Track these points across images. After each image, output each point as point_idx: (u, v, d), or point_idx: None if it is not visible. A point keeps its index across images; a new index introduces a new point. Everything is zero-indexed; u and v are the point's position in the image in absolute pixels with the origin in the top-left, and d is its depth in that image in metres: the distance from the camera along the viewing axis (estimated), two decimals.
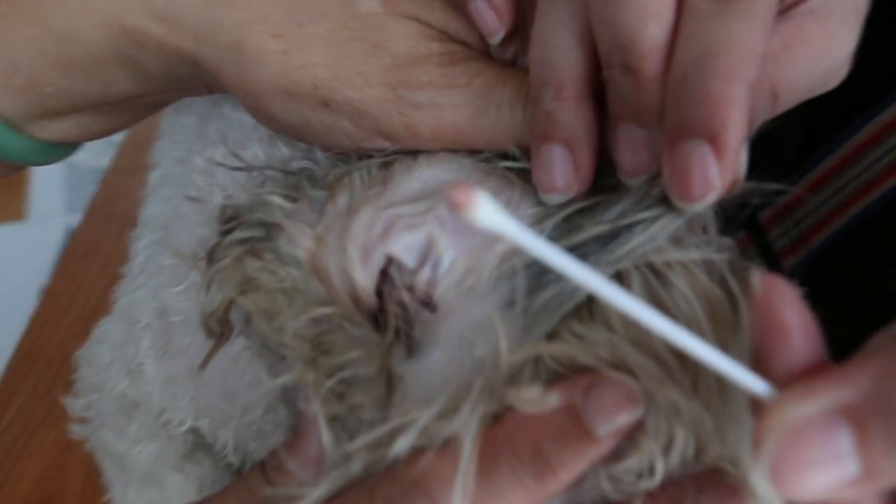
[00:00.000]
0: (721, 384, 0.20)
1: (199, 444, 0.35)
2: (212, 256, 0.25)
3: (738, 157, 0.21)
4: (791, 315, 0.17)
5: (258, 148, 0.28)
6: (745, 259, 0.25)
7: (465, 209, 0.14)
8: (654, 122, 0.22)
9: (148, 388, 0.32)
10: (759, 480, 0.16)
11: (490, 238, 0.23)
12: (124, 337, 0.33)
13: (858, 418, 0.16)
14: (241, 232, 0.24)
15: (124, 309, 0.34)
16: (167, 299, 0.31)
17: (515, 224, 0.15)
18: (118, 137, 0.76)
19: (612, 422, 0.20)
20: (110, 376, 0.34)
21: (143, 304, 0.32)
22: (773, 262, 0.43)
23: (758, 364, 0.18)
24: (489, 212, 0.14)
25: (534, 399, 0.19)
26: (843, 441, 0.16)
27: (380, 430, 0.20)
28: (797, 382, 0.16)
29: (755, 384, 0.17)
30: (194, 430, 0.33)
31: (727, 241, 0.26)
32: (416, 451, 0.20)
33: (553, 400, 0.19)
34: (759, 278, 0.17)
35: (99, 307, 0.58)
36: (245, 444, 0.32)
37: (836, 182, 0.40)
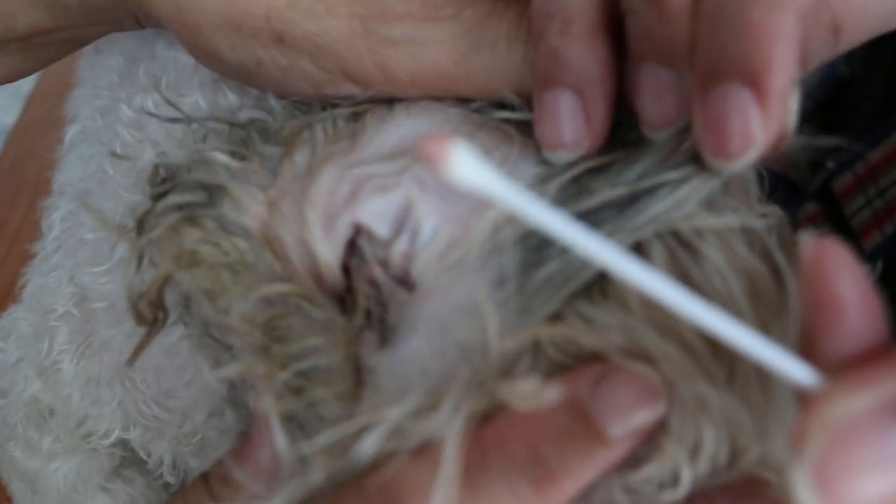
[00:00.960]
0: (763, 375, 0.21)
1: (128, 459, 0.35)
2: (142, 225, 0.25)
3: (785, 105, 0.21)
4: (847, 287, 0.17)
5: (199, 95, 0.28)
6: (798, 229, 0.25)
7: (439, 164, 0.14)
8: (684, 61, 0.22)
9: (65, 391, 0.33)
10: (801, 486, 0.16)
11: (480, 202, 0.24)
12: (35, 329, 0.33)
13: None
14: (176, 196, 0.25)
15: (35, 295, 0.34)
16: (88, 282, 0.31)
17: (503, 181, 0.15)
18: (27, 86, 0.75)
19: (628, 421, 0.20)
20: (18, 377, 0.34)
21: (59, 288, 0.33)
22: (851, 241, 0.43)
23: (805, 347, 0.18)
24: (469, 167, 0.14)
25: (529, 393, 0.19)
26: None
27: (342, 429, 0.21)
28: (850, 370, 0.17)
29: (799, 372, 0.17)
30: (123, 443, 0.34)
31: (774, 209, 0.26)
32: (388, 456, 0.21)
33: (552, 394, 0.19)
34: (809, 241, 0.17)
35: (5, 294, 0.58)
36: (185, 461, 0.33)
37: None
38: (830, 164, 0.43)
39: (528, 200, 0.15)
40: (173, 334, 0.27)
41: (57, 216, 0.34)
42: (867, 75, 0.44)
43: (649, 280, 0.17)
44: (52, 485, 0.34)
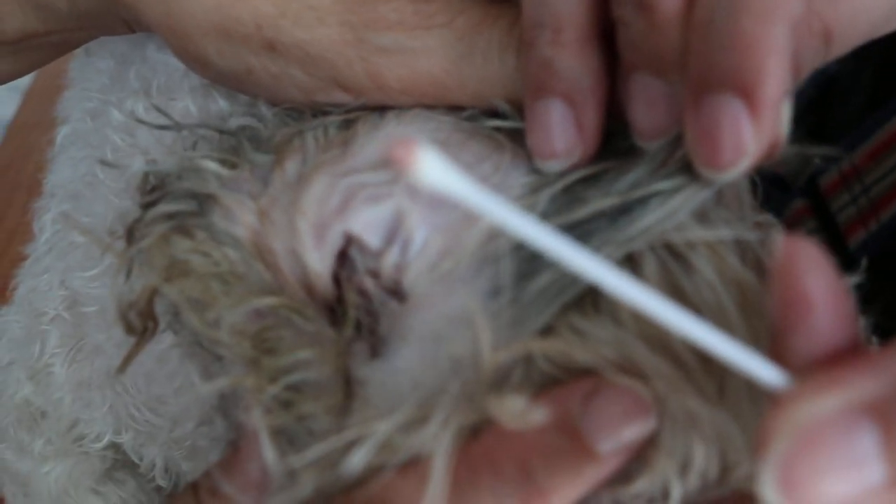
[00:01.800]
0: (755, 389, 0.21)
1: (120, 461, 0.35)
2: (131, 234, 0.25)
3: (777, 115, 0.21)
4: (817, 285, 0.17)
5: (189, 100, 0.28)
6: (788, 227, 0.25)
7: (408, 167, 0.14)
8: (676, 71, 0.22)
9: (57, 394, 0.33)
10: (766, 487, 0.16)
11: (472, 214, 0.24)
12: (27, 332, 0.33)
13: (886, 415, 0.16)
14: (166, 205, 0.24)
15: (27, 297, 0.34)
16: (78, 286, 0.31)
17: (471, 184, 0.15)
18: (24, 82, 0.75)
19: (617, 436, 0.20)
20: (10, 380, 0.34)
21: (50, 291, 0.33)
22: (836, 238, 0.43)
23: (775, 346, 0.18)
24: (437, 170, 0.14)
25: (517, 411, 0.19)
26: (867, 442, 0.16)
27: (332, 442, 0.21)
28: (818, 371, 0.17)
29: (767, 373, 0.17)
30: (114, 446, 0.34)
31: (768, 218, 0.26)
32: (377, 470, 0.21)
33: (540, 415, 0.19)
34: (780, 240, 0.17)
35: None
36: (176, 464, 0.33)
37: None
38: (817, 161, 0.43)
39: (497, 203, 0.15)
40: (164, 342, 0.27)
41: (48, 218, 0.33)
42: (856, 72, 0.43)
43: (629, 290, 0.16)
44: (43, 487, 0.34)
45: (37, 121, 0.68)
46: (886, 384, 0.16)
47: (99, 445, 0.33)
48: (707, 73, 0.21)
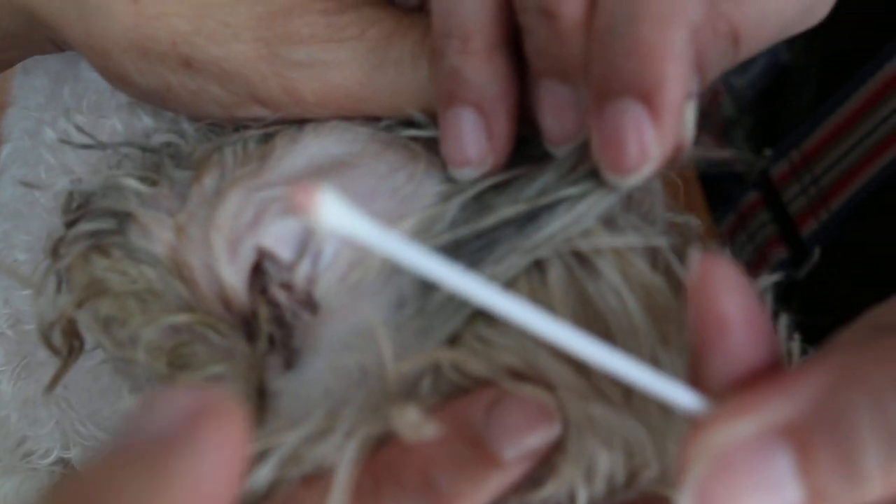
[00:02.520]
0: None
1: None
2: (55, 253, 0.25)
3: (679, 119, 0.21)
4: (732, 305, 0.17)
5: (116, 118, 0.28)
6: (702, 241, 0.25)
7: (307, 212, 0.14)
8: (580, 77, 0.22)
9: (3, 411, 0.33)
10: None
11: (381, 223, 0.24)
12: None
13: (801, 437, 0.16)
14: (87, 223, 0.25)
15: None
16: (20, 304, 0.31)
17: (371, 226, 0.15)
18: None
19: (521, 444, 0.20)
20: None
21: None
22: (789, 228, 0.43)
23: (693, 368, 0.18)
24: (337, 214, 0.14)
25: (413, 423, 0.20)
26: (782, 465, 0.16)
27: None
28: (734, 395, 0.17)
29: (683, 397, 0.17)
30: (63, 461, 0.34)
31: (688, 219, 0.26)
32: (283, 482, 0.21)
33: (432, 430, 0.19)
34: (695, 259, 0.17)
35: None
36: None
37: (860, 127, 0.40)
38: (768, 152, 0.43)
39: (397, 243, 0.15)
40: (95, 358, 0.27)
41: None
42: (807, 63, 0.43)
43: (524, 314, 0.17)
44: None
45: None
46: (801, 406, 0.16)
47: (47, 461, 0.33)
48: (609, 80, 0.21)
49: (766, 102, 0.46)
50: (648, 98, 0.21)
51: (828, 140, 0.40)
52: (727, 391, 0.17)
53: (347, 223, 0.15)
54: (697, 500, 0.16)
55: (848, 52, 0.40)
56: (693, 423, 0.17)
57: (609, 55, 0.21)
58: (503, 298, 0.16)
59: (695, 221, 0.26)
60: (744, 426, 0.16)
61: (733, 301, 0.17)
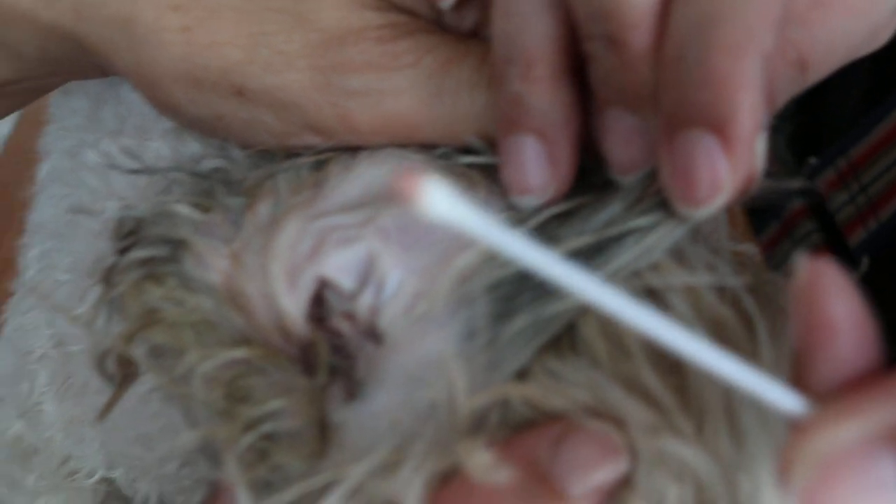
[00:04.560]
0: (735, 426, 0.21)
1: (113, 494, 0.35)
2: (107, 281, 0.25)
3: (752, 150, 0.21)
4: (840, 309, 0.17)
5: (162, 142, 0.28)
6: (767, 272, 0.25)
7: (411, 200, 0.14)
8: (648, 106, 0.22)
9: (48, 432, 0.33)
10: None
11: (446, 252, 0.24)
12: (15, 370, 0.33)
13: None
14: (139, 251, 0.24)
15: (15, 335, 0.34)
16: (64, 325, 0.31)
17: (478, 215, 0.14)
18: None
19: (588, 479, 0.20)
20: (1, 417, 0.34)
21: (37, 330, 0.33)
22: (835, 238, 0.43)
23: (797, 372, 0.18)
24: (442, 202, 0.14)
25: (485, 465, 0.19)
26: (889, 470, 0.16)
27: (304, 486, 0.21)
28: (839, 398, 0.17)
29: (786, 400, 0.17)
30: (107, 480, 0.34)
31: (748, 248, 0.26)
32: None
33: (505, 475, 0.19)
34: (802, 263, 0.17)
35: None
36: (170, 498, 0.33)
37: None
38: (813, 161, 0.42)
39: (501, 231, 0.15)
40: (145, 383, 0.27)
41: (33, 255, 0.33)
42: (848, 71, 0.43)
43: (633, 312, 0.16)
44: None
45: (24, 150, 0.67)
46: None
47: (91, 480, 0.33)
48: (680, 109, 0.21)
49: (806, 110, 0.45)
50: (721, 129, 0.20)
51: (877, 148, 0.40)
52: (831, 397, 0.17)
53: (452, 211, 0.14)
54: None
55: (894, 58, 0.39)
56: (794, 427, 0.17)
57: (680, 84, 0.21)
58: (610, 294, 0.16)
59: (754, 250, 0.26)
60: (852, 429, 0.16)
61: (841, 305, 0.17)
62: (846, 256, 0.42)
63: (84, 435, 0.32)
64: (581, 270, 0.16)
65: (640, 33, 0.21)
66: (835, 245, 0.42)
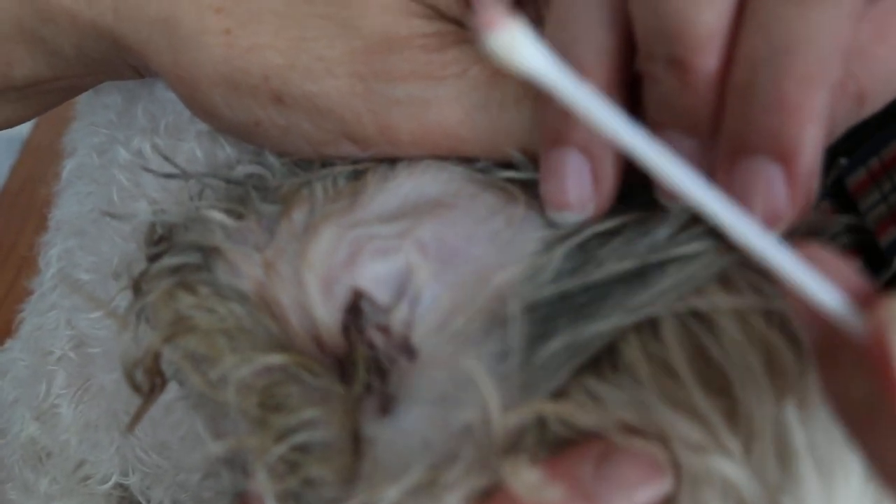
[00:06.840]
0: (783, 448, 0.21)
1: (126, 499, 0.35)
2: (138, 288, 0.25)
3: (812, 182, 0.21)
4: None
5: (196, 144, 0.27)
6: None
7: (488, 31, 0.13)
8: (707, 131, 0.22)
9: (63, 435, 0.33)
10: None
11: (484, 269, 0.23)
12: (32, 371, 0.33)
13: None
14: (171, 258, 0.24)
15: (33, 335, 0.34)
16: (84, 326, 0.31)
17: (556, 67, 0.14)
18: None
19: (631, 498, 0.20)
20: (15, 418, 0.34)
21: (57, 330, 0.32)
22: (866, 238, 0.42)
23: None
24: (518, 43, 0.13)
25: (533, 484, 0.19)
26: None
27: None
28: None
29: (828, 296, 0.18)
30: (121, 486, 0.34)
31: None
32: None
33: (555, 495, 0.19)
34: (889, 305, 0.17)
35: (2, 327, 0.57)
36: None
37: None
38: (843, 161, 0.42)
39: (578, 89, 0.15)
40: (170, 391, 0.27)
41: (54, 253, 0.33)
42: None
43: (685, 180, 0.17)
44: None
45: (49, 147, 0.67)
46: None
47: (105, 486, 0.33)
48: (745, 136, 0.21)
49: None
50: (786, 158, 0.20)
51: None
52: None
53: (526, 57, 0.14)
54: None
55: None
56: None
57: (748, 110, 0.21)
58: (683, 172, 0.17)
59: None
60: None
61: None
62: (877, 256, 0.41)
63: (100, 440, 0.32)
64: (654, 143, 0.16)
65: (705, 57, 0.21)
66: (864, 245, 0.42)
